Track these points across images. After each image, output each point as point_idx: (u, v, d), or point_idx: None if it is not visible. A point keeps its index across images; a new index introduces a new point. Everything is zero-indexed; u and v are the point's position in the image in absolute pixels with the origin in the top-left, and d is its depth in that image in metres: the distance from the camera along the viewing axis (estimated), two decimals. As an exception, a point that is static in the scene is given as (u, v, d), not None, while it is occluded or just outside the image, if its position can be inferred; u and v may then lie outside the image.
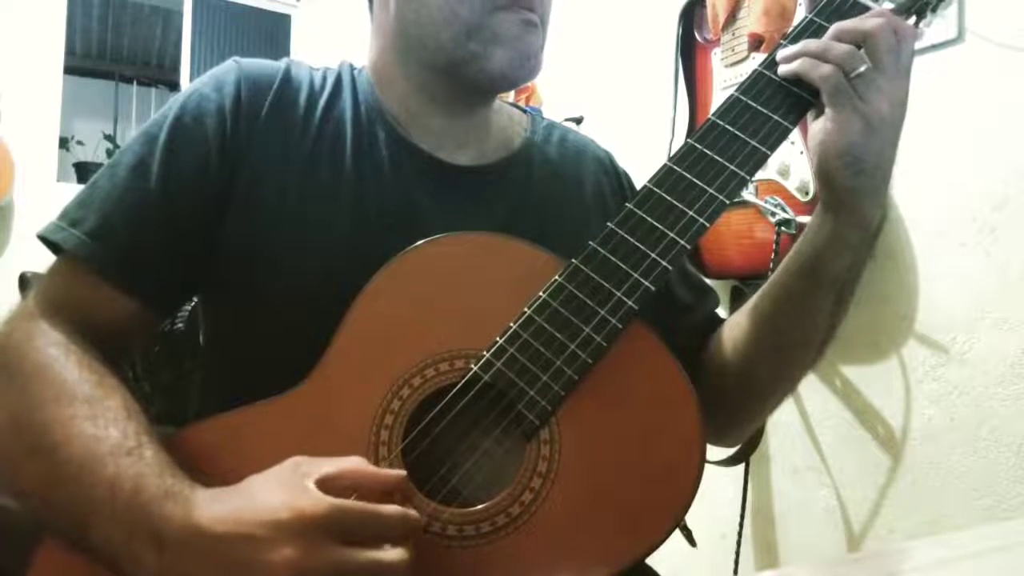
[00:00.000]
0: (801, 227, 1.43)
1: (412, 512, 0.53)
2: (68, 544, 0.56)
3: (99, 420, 0.57)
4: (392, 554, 0.50)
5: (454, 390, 0.59)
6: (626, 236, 0.61)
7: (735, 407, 0.79)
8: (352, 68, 0.80)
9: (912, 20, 0.69)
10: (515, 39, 0.71)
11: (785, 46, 0.65)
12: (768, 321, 0.72)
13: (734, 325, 0.77)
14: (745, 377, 0.75)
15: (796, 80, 0.64)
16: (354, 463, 0.54)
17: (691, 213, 0.61)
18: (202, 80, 0.73)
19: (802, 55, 0.63)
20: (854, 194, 0.63)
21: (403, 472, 0.56)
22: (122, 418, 0.57)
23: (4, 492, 0.60)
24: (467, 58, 0.71)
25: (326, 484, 0.52)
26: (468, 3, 0.70)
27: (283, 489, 0.52)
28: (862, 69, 0.61)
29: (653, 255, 0.60)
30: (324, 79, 0.77)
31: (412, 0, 0.73)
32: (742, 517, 1.60)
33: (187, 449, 0.58)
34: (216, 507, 0.52)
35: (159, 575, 0.51)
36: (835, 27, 0.64)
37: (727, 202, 0.61)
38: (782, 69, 0.64)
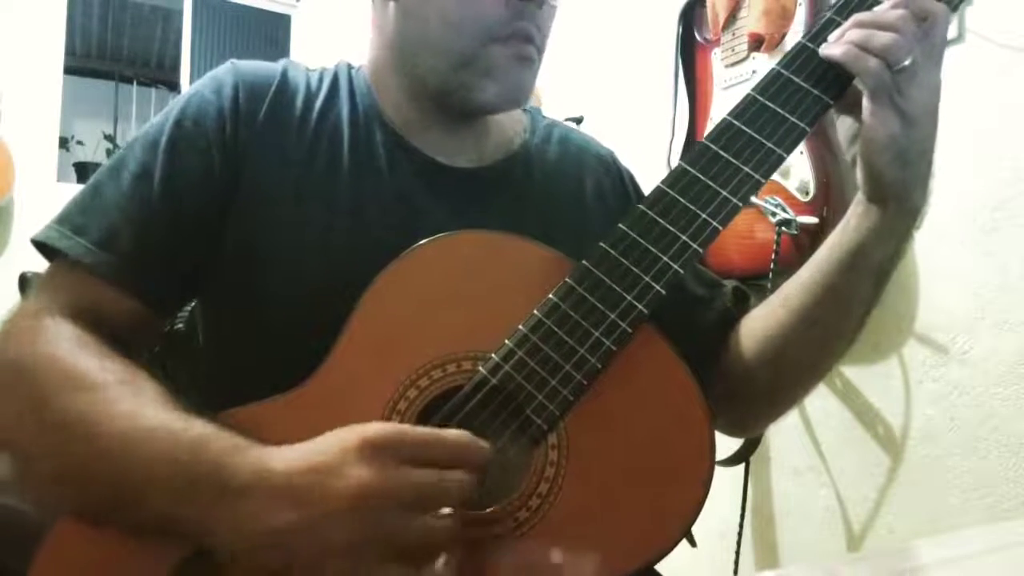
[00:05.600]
0: (801, 227, 1.43)
1: (481, 441, 0.53)
2: (109, 523, 0.55)
3: (140, 398, 0.57)
4: (456, 473, 0.51)
5: (461, 392, 0.59)
6: (637, 238, 0.60)
7: (765, 399, 0.78)
8: (350, 68, 0.80)
9: None
10: (507, 73, 0.70)
11: (803, 44, 0.64)
12: (803, 314, 0.71)
13: (760, 318, 0.76)
14: (776, 369, 0.74)
15: (819, 78, 0.63)
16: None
17: (704, 216, 0.60)
18: (201, 83, 0.73)
19: (858, 27, 0.61)
20: (903, 185, 0.63)
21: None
22: (168, 400, 0.58)
23: (24, 484, 0.59)
24: (456, 88, 0.71)
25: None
26: (465, 35, 0.69)
27: (347, 429, 0.53)
28: (907, 63, 0.60)
29: (665, 258, 0.59)
30: (320, 80, 0.77)
31: (414, 19, 0.72)
32: (742, 517, 1.60)
33: None
34: (286, 452, 0.53)
35: (234, 526, 0.51)
36: None
37: (740, 205, 0.60)
38: (825, 50, 0.62)
